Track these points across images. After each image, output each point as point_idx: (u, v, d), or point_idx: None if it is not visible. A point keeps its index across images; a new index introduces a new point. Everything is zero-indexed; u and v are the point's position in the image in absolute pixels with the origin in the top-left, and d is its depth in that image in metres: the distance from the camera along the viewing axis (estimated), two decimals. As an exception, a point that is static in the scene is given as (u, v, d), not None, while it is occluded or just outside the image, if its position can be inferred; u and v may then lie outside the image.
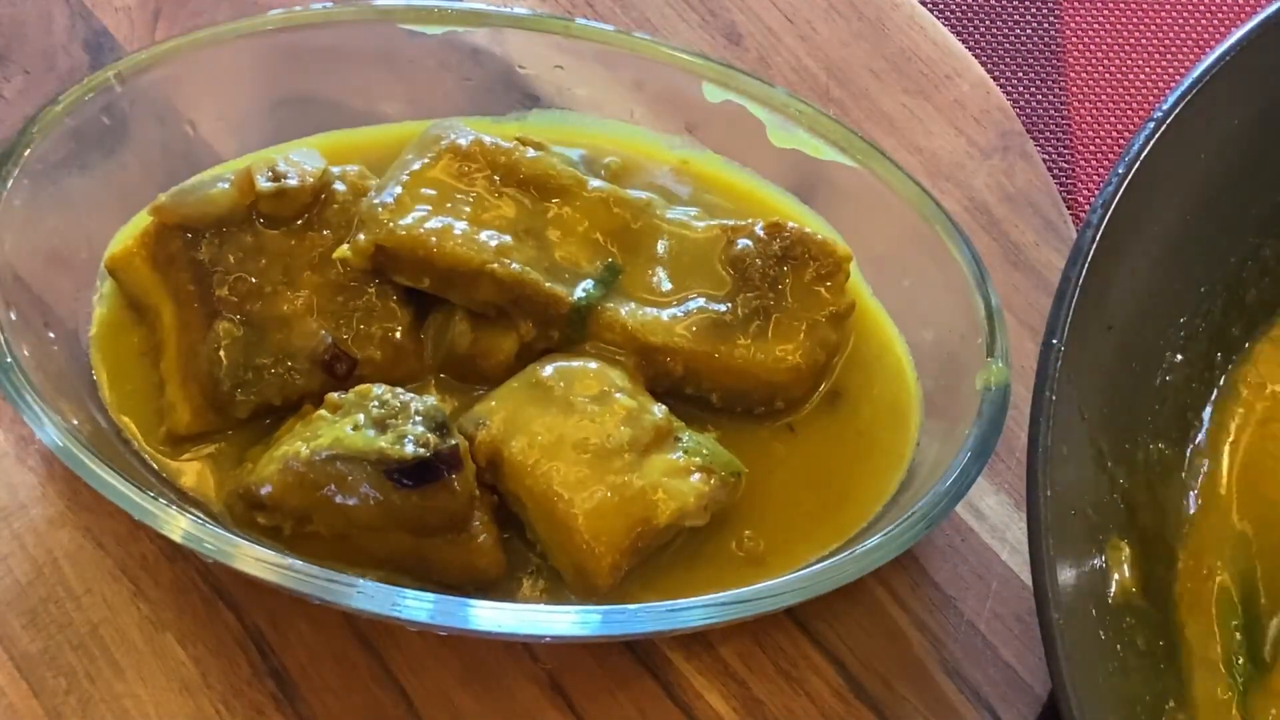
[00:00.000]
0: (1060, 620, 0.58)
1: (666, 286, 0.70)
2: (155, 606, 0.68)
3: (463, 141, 0.70)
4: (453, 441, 0.64)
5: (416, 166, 0.70)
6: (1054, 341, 0.61)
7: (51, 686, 0.66)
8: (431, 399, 0.66)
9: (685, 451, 0.66)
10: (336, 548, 0.65)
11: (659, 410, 0.67)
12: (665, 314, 0.69)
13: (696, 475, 0.66)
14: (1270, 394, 0.72)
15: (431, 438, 0.63)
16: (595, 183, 0.71)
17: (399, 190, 0.69)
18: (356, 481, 0.63)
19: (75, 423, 0.65)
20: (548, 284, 0.68)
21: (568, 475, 0.65)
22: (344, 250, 0.68)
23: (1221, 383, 0.72)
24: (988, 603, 0.70)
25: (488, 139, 0.71)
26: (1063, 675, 0.57)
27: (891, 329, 0.72)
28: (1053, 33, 0.89)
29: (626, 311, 0.69)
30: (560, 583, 0.66)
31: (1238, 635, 0.67)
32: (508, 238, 0.69)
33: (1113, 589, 0.64)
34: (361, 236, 0.68)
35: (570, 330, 0.69)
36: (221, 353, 0.67)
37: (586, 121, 0.76)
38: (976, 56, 0.84)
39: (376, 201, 0.69)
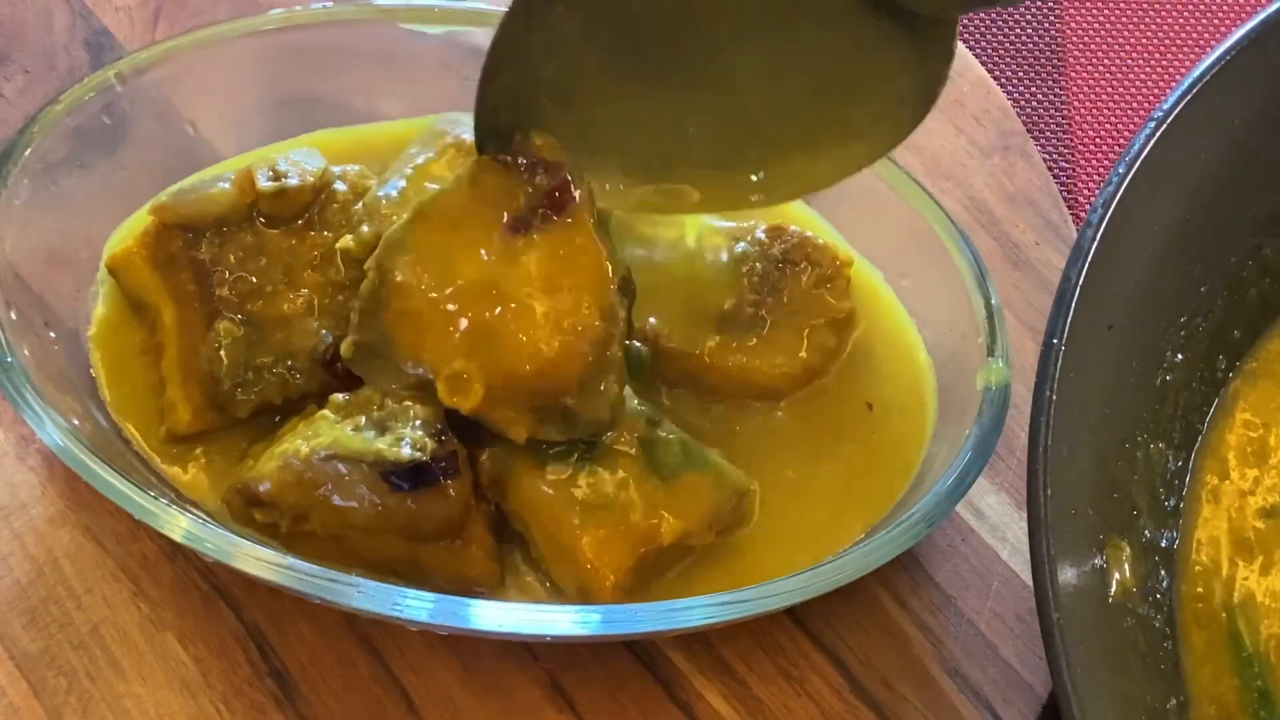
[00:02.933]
0: (1060, 620, 0.58)
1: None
2: (156, 606, 0.68)
3: (467, 137, 0.70)
4: (450, 448, 0.64)
5: (420, 161, 0.70)
6: (1054, 341, 0.61)
7: (52, 686, 0.66)
8: (433, 404, 0.65)
9: (692, 470, 0.65)
10: (332, 548, 0.65)
11: (665, 429, 0.67)
12: None
13: (703, 494, 0.65)
14: (1272, 395, 0.72)
15: (429, 442, 0.63)
16: None
17: (403, 184, 0.69)
18: (353, 482, 0.63)
19: (75, 422, 0.65)
20: None
21: (572, 495, 0.64)
22: (347, 240, 0.68)
23: (1223, 382, 0.72)
24: (988, 602, 0.70)
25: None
26: (1063, 675, 0.57)
27: (913, 334, 0.72)
28: (1053, 33, 0.89)
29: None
30: (559, 588, 0.66)
31: (1240, 635, 0.67)
32: None
33: (1113, 589, 0.64)
34: (365, 228, 0.67)
35: None
36: (222, 352, 0.67)
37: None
38: (977, 56, 0.84)
39: (380, 194, 0.68)
